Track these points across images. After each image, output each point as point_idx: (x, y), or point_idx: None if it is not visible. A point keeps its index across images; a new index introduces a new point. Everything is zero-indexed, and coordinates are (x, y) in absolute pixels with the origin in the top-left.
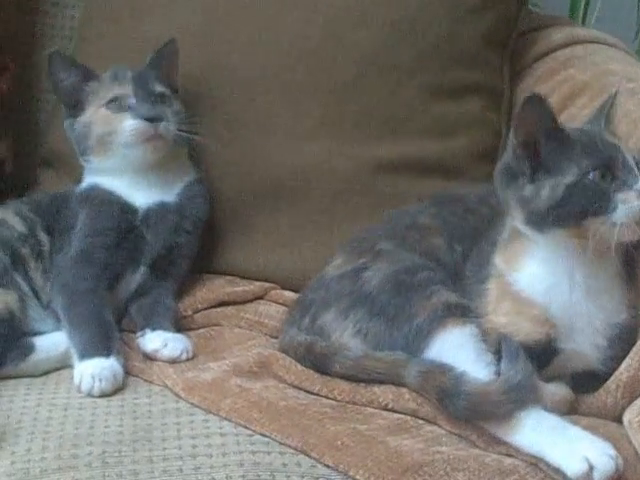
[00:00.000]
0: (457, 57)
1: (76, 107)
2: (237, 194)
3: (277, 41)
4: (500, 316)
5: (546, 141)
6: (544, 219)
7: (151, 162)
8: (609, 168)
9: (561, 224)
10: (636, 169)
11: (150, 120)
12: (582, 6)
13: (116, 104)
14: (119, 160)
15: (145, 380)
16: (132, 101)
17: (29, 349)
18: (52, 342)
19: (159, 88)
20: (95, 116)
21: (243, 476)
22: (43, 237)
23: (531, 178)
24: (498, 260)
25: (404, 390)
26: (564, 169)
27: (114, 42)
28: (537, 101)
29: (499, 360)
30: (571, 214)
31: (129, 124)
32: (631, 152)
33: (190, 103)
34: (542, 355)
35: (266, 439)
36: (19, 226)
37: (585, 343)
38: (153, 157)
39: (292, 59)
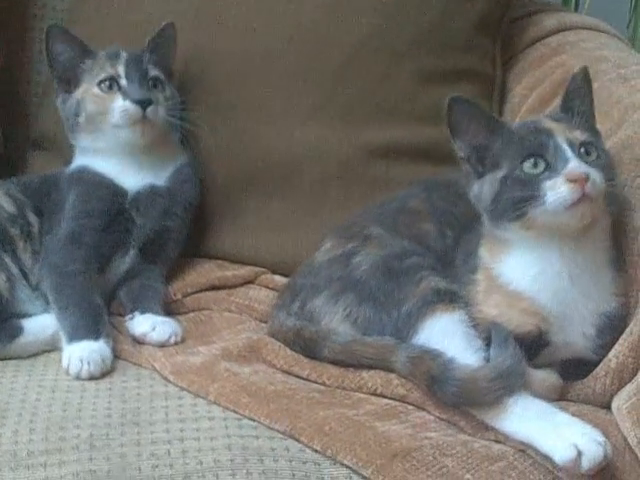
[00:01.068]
0: (449, 42)
1: (70, 83)
2: (228, 179)
3: (269, 26)
4: (491, 307)
5: (487, 138)
6: (492, 214)
7: (139, 145)
8: (540, 156)
9: (506, 218)
10: (570, 152)
11: (140, 103)
12: None
13: (108, 84)
14: (107, 140)
15: (134, 363)
16: (124, 82)
17: (17, 331)
18: (40, 324)
19: (153, 72)
20: (87, 94)
21: (231, 460)
22: (32, 218)
23: (477, 175)
24: (483, 252)
25: (393, 376)
26: (501, 163)
27: (105, 24)
28: (463, 103)
29: (488, 346)
30: (509, 207)
31: (119, 105)
32: (575, 136)
33: (181, 87)
34: (532, 346)
35: (254, 423)
36: (9, 206)
37: (574, 333)
38: (141, 140)
39: (284, 44)
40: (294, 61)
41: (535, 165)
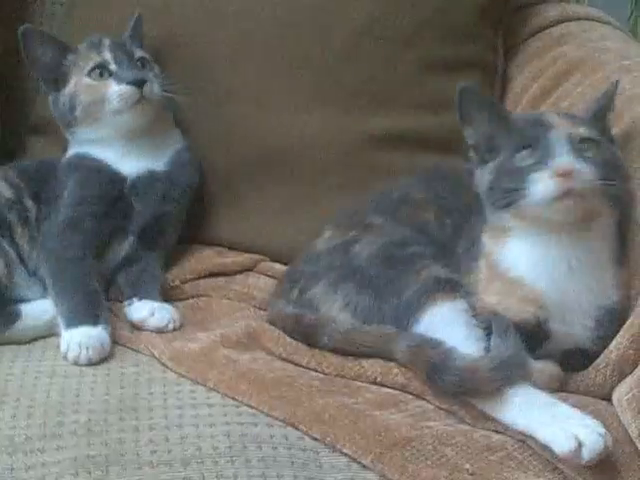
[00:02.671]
0: (452, 31)
1: (57, 82)
2: (228, 165)
3: (270, 12)
4: (491, 295)
5: (493, 127)
6: (489, 201)
7: (140, 127)
8: (534, 148)
9: (498, 206)
10: (563, 147)
11: (135, 84)
12: None
13: (98, 72)
14: (107, 128)
15: (132, 349)
16: (114, 67)
17: (15, 316)
18: (38, 309)
19: (139, 53)
20: (79, 86)
21: (230, 447)
22: (29, 204)
23: (481, 163)
24: (485, 239)
25: (392, 364)
26: (500, 152)
27: (106, 8)
28: (472, 92)
29: (489, 336)
30: (500, 196)
31: (115, 90)
32: (577, 131)
33: (181, 72)
34: (534, 338)
35: (253, 410)
36: (6, 191)
37: (574, 323)
38: (141, 121)
39: (285, 30)
40: (295, 48)
41: (528, 157)
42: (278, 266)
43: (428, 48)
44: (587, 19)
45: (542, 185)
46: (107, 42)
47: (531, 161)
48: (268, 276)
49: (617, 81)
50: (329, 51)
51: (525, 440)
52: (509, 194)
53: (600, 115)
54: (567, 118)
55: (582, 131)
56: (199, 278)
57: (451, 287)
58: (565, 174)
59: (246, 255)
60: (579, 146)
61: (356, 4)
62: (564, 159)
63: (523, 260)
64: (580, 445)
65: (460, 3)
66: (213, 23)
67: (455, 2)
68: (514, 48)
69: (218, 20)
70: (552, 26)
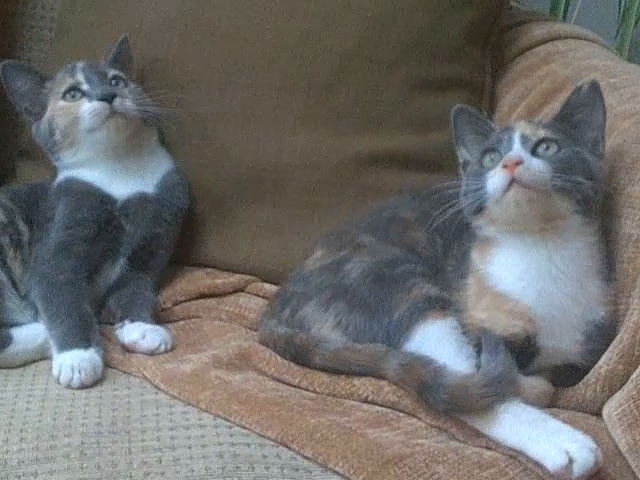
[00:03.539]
0: (439, 51)
1: (38, 111)
2: (218, 186)
3: (259, 33)
4: (480, 312)
5: (477, 140)
6: (465, 212)
7: (115, 143)
8: (495, 150)
9: (471, 212)
10: (516, 144)
11: (104, 99)
12: (563, 3)
13: (72, 93)
14: (87, 149)
15: (124, 372)
16: (86, 87)
17: (7, 340)
18: (30, 333)
19: (112, 72)
20: (55, 110)
21: (222, 467)
22: (22, 227)
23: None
24: (474, 255)
25: (384, 383)
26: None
27: (96, 32)
28: (465, 112)
29: (479, 353)
30: (470, 201)
31: (86, 107)
32: (535, 133)
33: (171, 94)
34: (524, 353)
35: (245, 431)
36: None
37: (563, 338)
38: (116, 137)
39: (274, 52)
40: (284, 70)
41: (490, 159)
42: (269, 286)
43: (416, 69)
44: (574, 37)
45: (493, 179)
46: (80, 65)
47: (492, 162)
48: (259, 296)
49: (578, 87)
50: (318, 73)
51: (516, 456)
52: (475, 196)
53: (580, 123)
54: (532, 123)
55: (542, 132)
56: (190, 300)
57: (441, 305)
58: (511, 164)
59: (237, 276)
60: (537, 145)
61: (344, 27)
62: (512, 152)
63: (509, 273)
64: (571, 461)
65: (447, 24)
66: (203, 45)
67: (442, 23)
68: (502, 67)
69: (208, 42)
70: (539, 45)
